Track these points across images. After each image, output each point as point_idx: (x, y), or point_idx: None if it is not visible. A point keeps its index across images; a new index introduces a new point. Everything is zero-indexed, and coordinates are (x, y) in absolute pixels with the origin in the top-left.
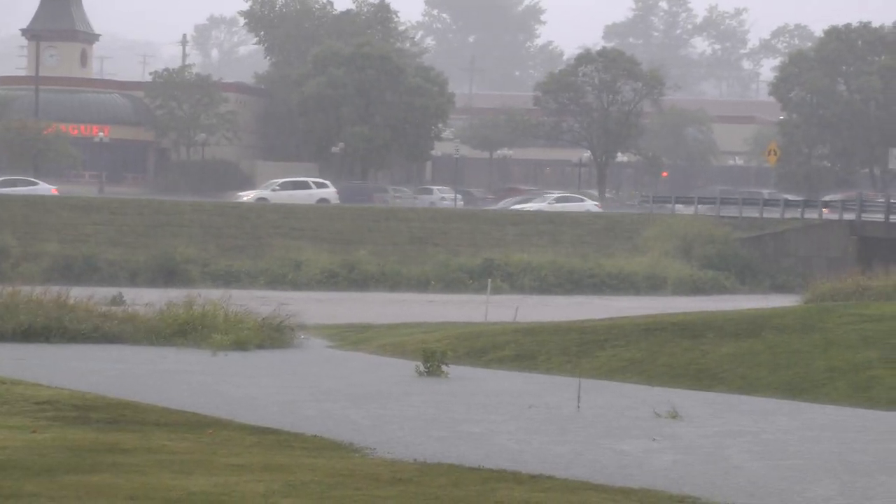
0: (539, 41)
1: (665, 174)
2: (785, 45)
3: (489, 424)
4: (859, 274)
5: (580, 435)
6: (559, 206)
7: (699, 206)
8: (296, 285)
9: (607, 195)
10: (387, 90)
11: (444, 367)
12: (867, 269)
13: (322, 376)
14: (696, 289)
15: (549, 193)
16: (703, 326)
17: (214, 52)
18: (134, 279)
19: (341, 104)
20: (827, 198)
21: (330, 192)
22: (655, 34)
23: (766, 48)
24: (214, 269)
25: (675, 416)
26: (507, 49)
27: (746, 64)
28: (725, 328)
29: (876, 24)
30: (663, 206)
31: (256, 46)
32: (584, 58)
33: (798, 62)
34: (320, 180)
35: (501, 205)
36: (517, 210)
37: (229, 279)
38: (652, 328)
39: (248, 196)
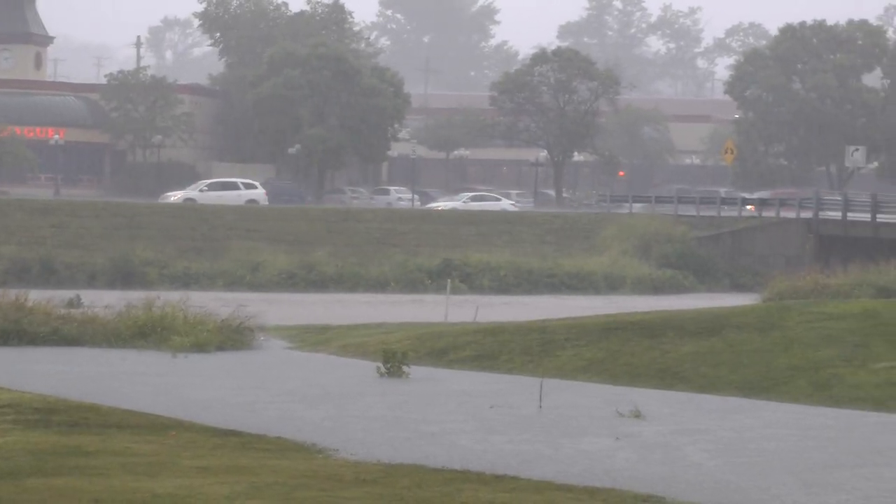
0: (493, 41)
1: (622, 173)
2: (739, 43)
3: (451, 425)
4: (817, 272)
5: (542, 435)
6: (474, 206)
7: (656, 205)
8: (254, 287)
9: (564, 194)
10: (342, 91)
11: (404, 368)
12: (825, 267)
13: (282, 377)
14: (654, 288)
15: (465, 192)
16: (664, 326)
17: (169, 54)
18: (92, 282)
19: (297, 105)
20: (767, 193)
21: (258, 192)
22: (610, 33)
23: (721, 47)
24: (172, 271)
25: (637, 415)
26: (462, 49)
27: (701, 63)
28: (686, 327)
29: (830, 22)
30: (620, 205)
31: (211, 48)
32: (540, 57)
33: (753, 60)
34: (249, 181)
35: (419, 205)
36: (474, 210)
37: (187, 281)
38: (612, 328)
39: (175, 196)
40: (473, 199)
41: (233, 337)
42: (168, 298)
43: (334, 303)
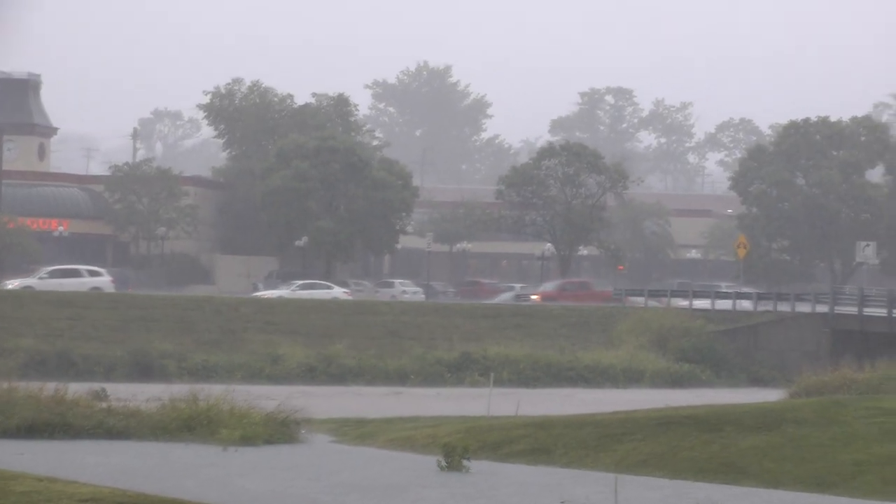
0: (485, 135)
1: (621, 267)
2: (730, 138)
3: None
4: (845, 367)
5: None
6: (303, 293)
7: (672, 298)
8: (274, 379)
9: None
10: (351, 183)
11: (465, 462)
12: (840, 362)
13: (339, 471)
14: (673, 381)
15: (294, 281)
16: (720, 420)
17: (159, 146)
18: (109, 374)
19: (306, 197)
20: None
21: (104, 280)
22: (601, 128)
23: (712, 142)
24: (191, 363)
25: None
26: (454, 143)
27: (692, 157)
28: (743, 422)
29: (831, 118)
30: (629, 299)
31: (201, 139)
32: (548, 151)
33: (757, 156)
34: (94, 268)
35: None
36: (488, 303)
37: (206, 374)
38: (667, 422)
39: (13, 284)
40: (302, 287)
41: (280, 430)
42: (211, 391)
43: (358, 396)
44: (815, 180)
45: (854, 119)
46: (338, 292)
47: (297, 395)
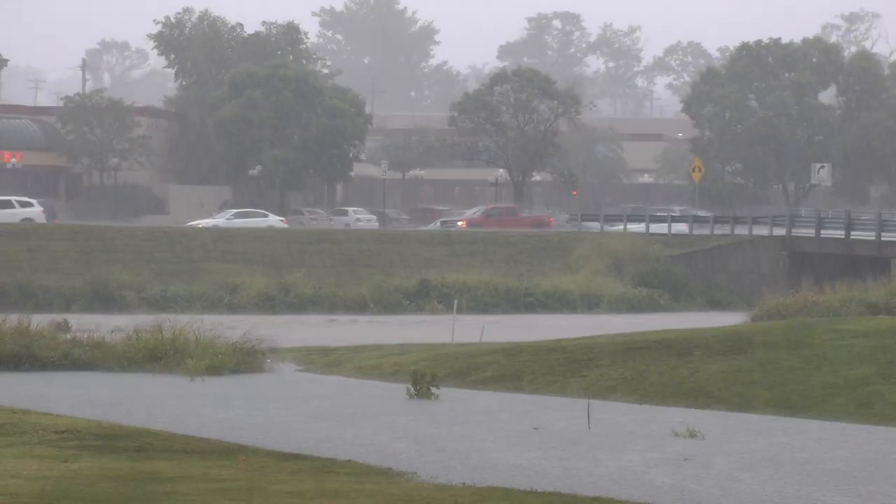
0: (433, 61)
1: (575, 192)
2: (678, 62)
3: (506, 446)
4: (805, 290)
5: (608, 455)
6: (239, 222)
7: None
8: (233, 309)
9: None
10: (304, 112)
11: (433, 389)
12: (798, 285)
13: (310, 400)
14: (631, 307)
15: (229, 210)
16: (688, 344)
17: (106, 77)
18: (69, 306)
19: (258, 126)
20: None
21: (34, 210)
22: (549, 53)
23: (660, 66)
24: (150, 294)
25: (693, 434)
26: (402, 70)
27: (640, 81)
28: (711, 345)
29: (785, 40)
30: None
31: (149, 70)
32: (500, 77)
33: (710, 79)
34: (25, 199)
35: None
36: (445, 230)
37: (165, 304)
38: (634, 347)
39: None
40: (238, 215)
41: (245, 360)
42: (177, 322)
43: (321, 325)
44: (769, 103)
45: (806, 41)
46: (274, 220)
47: (259, 325)
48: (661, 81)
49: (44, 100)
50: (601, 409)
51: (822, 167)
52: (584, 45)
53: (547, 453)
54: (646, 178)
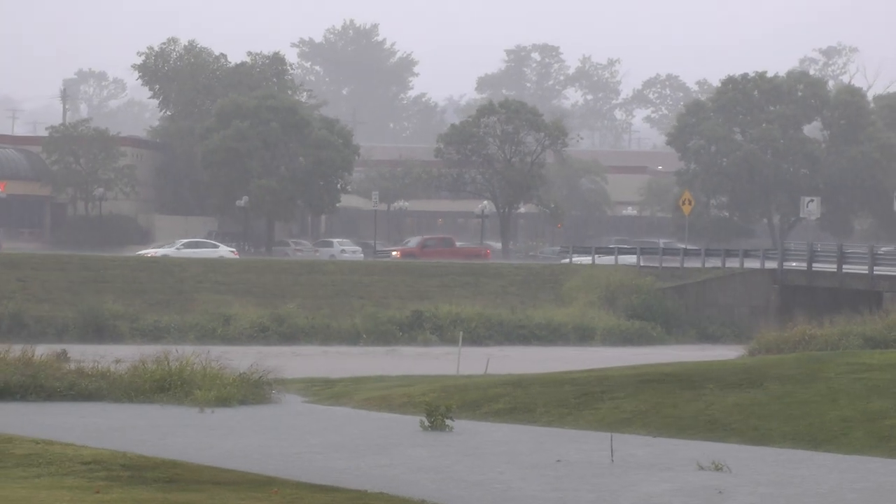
0: (412, 93)
1: (560, 225)
2: (656, 95)
3: (531, 480)
4: (800, 323)
5: (637, 487)
6: (188, 252)
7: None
8: (226, 339)
9: (510, 246)
10: (292, 142)
11: (447, 421)
12: (789, 318)
13: (324, 431)
14: (624, 339)
15: (179, 240)
16: (701, 377)
17: (83, 107)
18: (62, 336)
19: (246, 157)
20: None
21: None
22: (528, 85)
23: (639, 98)
24: (143, 324)
25: (719, 467)
26: (381, 101)
27: (619, 114)
28: (725, 378)
29: (770, 73)
30: (564, 255)
31: (126, 100)
32: (487, 109)
33: (695, 111)
34: None
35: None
36: (435, 262)
37: (158, 334)
38: (646, 380)
39: None
40: (187, 245)
41: (253, 391)
42: (182, 352)
43: (316, 355)
44: (754, 136)
45: (791, 74)
46: (224, 251)
47: (255, 356)
48: (640, 114)
49: (20, 129)
50: (618, 442)
51: (811, 200)
52: (562, 78)
53: (574, 484)
54: (629, 211)
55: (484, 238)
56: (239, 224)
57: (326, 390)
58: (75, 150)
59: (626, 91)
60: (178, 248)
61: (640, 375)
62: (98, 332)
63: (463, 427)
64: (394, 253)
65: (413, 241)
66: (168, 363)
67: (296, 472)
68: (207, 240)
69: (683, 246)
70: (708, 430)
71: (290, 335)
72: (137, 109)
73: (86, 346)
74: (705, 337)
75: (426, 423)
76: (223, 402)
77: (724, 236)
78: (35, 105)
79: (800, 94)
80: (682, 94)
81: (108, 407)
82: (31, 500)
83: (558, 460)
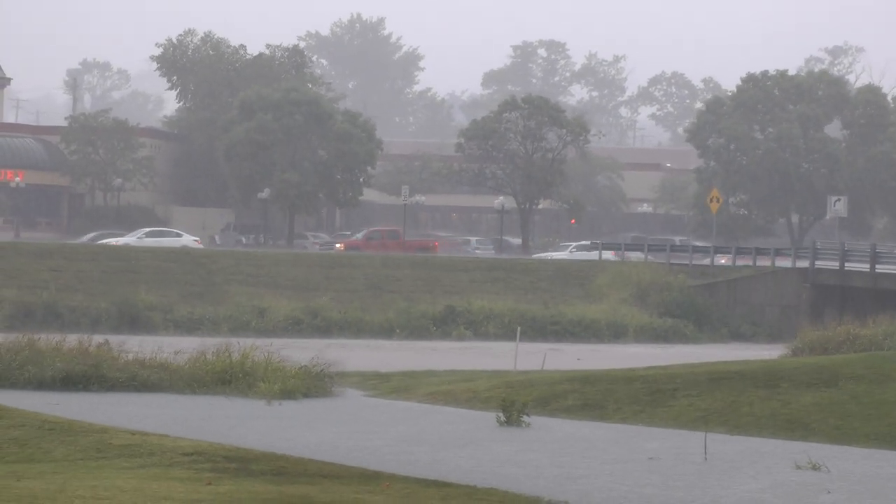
0: (417, 87)
1: (573, 221)
2: (662, 92)
3: (625, 476)
4: (830, 322)
5: (738, 485)
6: (150, 241)
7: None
8: (260, 332)
9: (530, 242)
10: (315, 135)
11: (524, 417)
12: (821, 317)
13: (397, 425)
14: (657, 336)
15: (141, 228)
16: (772, 376)
17: (87, 97)
18: (95, 326)
19: (270, 149)
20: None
21: None
22: (534, 81)
23: (644, 96)
24: (177, 315)
25: (816, 467)
26: (387, 95)
27: (624, 111)
28: (797, 378)
29: (791, 72)
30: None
31: (130, 91)
32: (509, 104)
33: (715, 109)
34: None
35: (86, 238)
36: (465, 257)
37: (192, 326)
38: (716, 377)
39: None
40: (149, 234)
41: (315, 384)
42: (242, 345)
43: (359, 349)
44: (775, 135)
45: (811, 73)
46: (188, 240)
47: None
48: (645, 112)
49: (24, 119)
50: (699, 440)
51: (839, 200)
52: (568, 74)
53: (678, 482)
54: (644, 208)
55: (496, 233)
56: (257, 216)
57: (384, 384)
58: (94, 140)
59: (631, 88)
60: (139, 238)
61: (708, 373)
62: (132, 322)
63: (538, 423)
64: (337, 245)
65: (358, 234)
66: (230, 355)
67: (391, 465)
68: (171, 229)
69: (701, 244)
70: (788, 429)
71: (324, 328)
72: (141, 100)
73: (121, 336)
74: (737, 336)
75: (502, 419)
76: (288, 394)
77: (742, 235)
78: (34, 95)
79: (820, 92)
80: (687, 92)
81: (172, 398)
82: (143, 491)
83: (650, 458)
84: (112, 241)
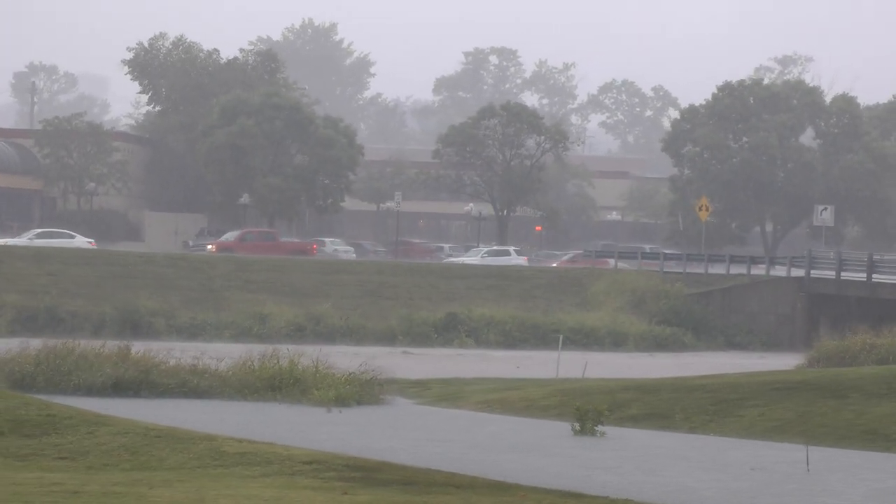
0: (368, 93)
1: (539, 228)
2: (612, 100)
3: (728, 483)
4: (867, 332)
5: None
6: (40, 243)
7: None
8: (262, 338)
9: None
10: (296, 140)
11: (598, 427)
12: (816, 327)
13: (468, 431)
14: (657, 345)
15: (33, 230)
16: (839, 386)
17: (35, 100)
18: (98, 331)
19: (250, 154)
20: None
21: None
22: (485, 87)
23: (594, 103)
24: (179, 321)
25: None
26: (338, 101)
27: (575, 119)
28: (865, 388)
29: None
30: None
31: (77, 94)
32: (487, 111)
33: (690, 117)
34: None
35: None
36: (459, 263)
37: (194, 332)
38: (781, 387)
39: None
40: (40, 235)
41: (366, 391)
42: (288, 351)
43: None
44: (751, 143)
45: (787, 82)
46: (81, 241)
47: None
48: (595, 119)
49: None
50: (781, 451)
51: (825, 209)
52: (519, 81)
53: (788, 494)
54: (614, 216)
55: (468, 241)
56: (233, 222)
57: (426, 392)
58: (68, 144)
59: (581, 96)
60: (29, 239)
61: (769, 383)
62: (134, 328)
63: (610, 432)
64: (209, 247)
65: (231, 235)
66: (278, 361)
67: (494, 473)
68: (63, 230)
69: (672, 251)
70: (866, 441)
71: (326, 335)
72: (87, 104)
73: (121, 342)
74: (732, 344)
75: (577, 428)
76: (342, 401)
77: (716, 243)
78: None
79: (795, 101)
80: (637, 100)
81: (226, 404)
82: (282, 500)
83: (752, 468)
84: (8, 241)
